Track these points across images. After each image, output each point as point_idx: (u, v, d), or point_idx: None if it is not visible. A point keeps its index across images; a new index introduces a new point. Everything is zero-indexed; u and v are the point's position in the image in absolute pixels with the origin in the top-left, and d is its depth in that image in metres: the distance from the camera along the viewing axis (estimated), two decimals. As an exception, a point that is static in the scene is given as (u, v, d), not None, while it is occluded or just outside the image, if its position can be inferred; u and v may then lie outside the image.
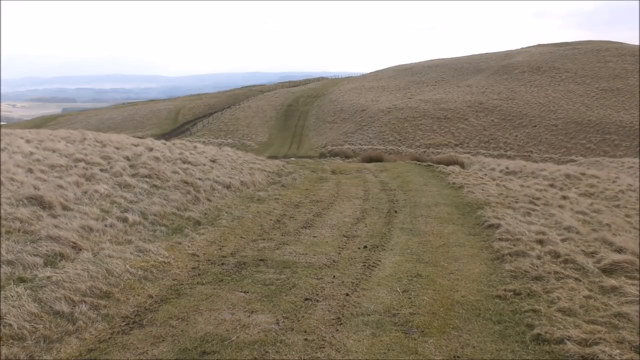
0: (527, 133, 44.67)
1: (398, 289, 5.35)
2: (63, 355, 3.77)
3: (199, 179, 10.64)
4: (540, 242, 6.98)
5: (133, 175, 10.02)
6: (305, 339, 4.14)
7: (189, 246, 6.65)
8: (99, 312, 4.47)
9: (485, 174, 17.29)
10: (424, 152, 39.60)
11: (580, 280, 5.51)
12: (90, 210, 7.24)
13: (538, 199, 11.43)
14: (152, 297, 4.95)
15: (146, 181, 9.73)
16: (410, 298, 5.10)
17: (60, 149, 11.63)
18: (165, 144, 16.35)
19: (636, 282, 5.38)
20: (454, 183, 13.33)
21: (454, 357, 3.93)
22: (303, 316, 4.61)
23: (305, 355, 3.90)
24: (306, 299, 5.01)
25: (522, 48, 77.95)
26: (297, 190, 12.17)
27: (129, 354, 3.86)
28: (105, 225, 6.76)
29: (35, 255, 5.35)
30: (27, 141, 12.33)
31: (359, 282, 5.56)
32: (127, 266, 5.46)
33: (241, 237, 7.41)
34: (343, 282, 5.56)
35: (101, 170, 10.08)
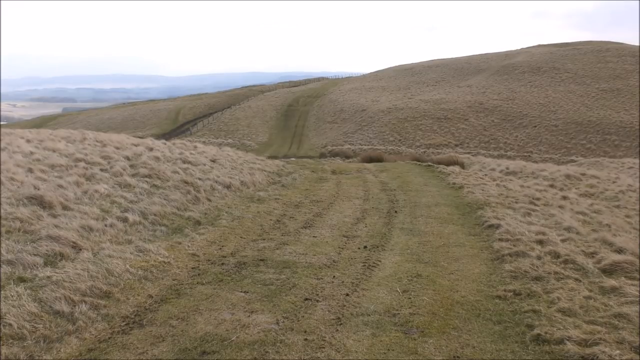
0: (528, 133, 44.67)
1: (398, 289, 5.35)
2: (63, 355, 3.77)
3: (199, 178, 10.64)
4: (540, 242, 6.98)
5: (133, 175, 10.02)
6: (305, 339, 4.14)
7: (189, 246, 6.65)
8: (99, 312, 4.47)
9: (486, 174, 17.29)
10: (424, 152, 39.61)
11: (580, 281, 5.51)
12: (90, 210, 7.24)
13: (538, 199, 11.43)
14: (152, 297, 4.95)
15: (146, 181, 9.73)
16: (410, 298, 5.10)
17: (60, 148, 11.64)
18: (165, 143, 16.36)
19: (636, 282, 5.38)
20: (454, 183, 13.33)
21: (454, 357, 3.93)
22: (303, 316, 4.61)
23: (305, 355, 3.90)
24: (306, 299, 5.01)
25: (522, 48, 77.95)
26: (297, 190, 12.17)
27: (128, 354, 3.86)
28: (106, 225, 6.76)
29: (35, 255, 5.35)
30: (27, 141, 12.33)
31: (359, 282, 5.56)
32: (127, 266, 5.46)
33: (241, 237, 7.41)
34: (343, 282, 5.56)
35: (101, 170, 10.09)
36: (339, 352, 3.97)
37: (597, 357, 3.81)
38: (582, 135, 43.20)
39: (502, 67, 63.57)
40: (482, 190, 11.94)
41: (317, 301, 4.98)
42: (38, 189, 7.52)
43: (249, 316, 4.57)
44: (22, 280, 4.82)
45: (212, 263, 6.13)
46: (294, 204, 10.20)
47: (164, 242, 6.66)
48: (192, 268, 5.89)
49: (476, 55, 78.26)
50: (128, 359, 3.80)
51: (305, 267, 6.05)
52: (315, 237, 7.58)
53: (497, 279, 5.69)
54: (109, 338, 4.10)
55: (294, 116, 59.51)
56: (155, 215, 7.70)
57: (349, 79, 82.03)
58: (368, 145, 43.92)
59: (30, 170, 8.93)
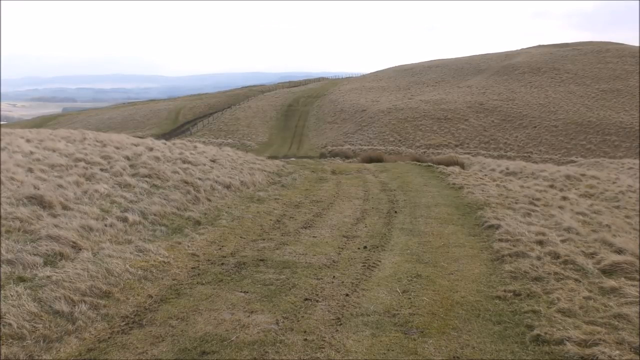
0: (528, 134, 44.68)
1: (398, 290, 5.35)
2: (63, 355, 3.77)
3: (199, 178, 10.64)
4: (540, 242, 6.98)
5: (133, 175, 10.02)
6: (305, 339, 4.14)
7: (188, 246, 6.65)
8: (98, 312, 4.47)
9: (485, 175, 17.29)
10: (424, 152, 39.61)
11: (580, 281, 5.51)
12: (90, 209, 7.24)
13: (538, 199, 11.43)
14: (152, 297, 4.95)
15: (146, 181, 9.73)
16: (410, 298, 5.10)
17: (60, 148, 11.64)
18: (165, 143, 16.36)
19: (636, 283, 5.38)
20: (454, 184, 13.34)
21: (454, 357, 3.93)
22: (303, 316, 4.61)
23: (305, 355, 3.90)
24: (306, 299, 5.01)
25: (522, 49, 77.98)
26: (297, 190, 12.17)
27: (128, 354, 3.86)
28: (105, 225, 6.76)
29: (35, 254, 5.35)
30: (27, 141, 12.34)
31: (359, 282, 5.56)
32: (127, 266, 5.46)
33: (241, 237, 7.41)
34: (343, 282, 5.56)
35: (101, 169, 10.09)
36: (338, 352, 3.97)
37: (597, 357, 3.81)
38: (582, 135, 43.21)
39: (502, 68, 63.58)
40: (482, 190, 11.94)
41: (317, 301, 4.98)
42: (38, 189, 7.52)
43: (249, 316, 4.57)
44: (21, 279, 4.82)
45: (212, 263, 6.13)
46: (294, 204, 10.20)
47: (164, 242, 6.66)
48: (192, 268, 5.89)
49: (476, 55, 78.28)
50: (128, 359, 3.80)
51: (305, 267, 6.05)
52: (315, 237, 7.58)
53: (497, 280, 5.69)
54: (109, 338, 4.10)
55: (294, 116, 59.51)
56: (155, 215, 7.70)
57: (349, 79, 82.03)
58: (368, 145, 43.92)
59: (30, 170, 8.93)
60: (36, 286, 4.67)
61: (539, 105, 49.80)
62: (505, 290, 5.28)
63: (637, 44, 68.20)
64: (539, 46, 77.38)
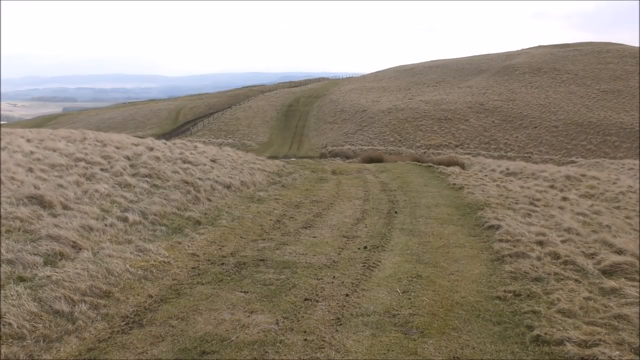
0: (528, 134, 44.67)
1: (398, 290, 5.35)
2: (63, 355, 3.77)
3: (199, 178, 10.64)
4: (540, 243, 6.98)
5: (133, 175, 10.02)
6: (305, 339, 4.14)
7: (189, 246, 6.65)
8: (98, 312, 4.47)
9: (486, 175, 17.29)
10: (425, 152, 39.62)
11: (580, 282, 5.51)
12: (90, 209, 7.24)
13: (538, 200, 11.43)
14: (152, 297, 4.95)
15: (146, 181, 9.74)
16: (410, 299, 5.10)
17: (60, 148, 11.64)
18: (165, 143, 16.36)
19: (636, 283, 5.38)
20: (454, 184, 13.33)
21: (454, 357, 3.93)
22: (303, 316, 4.61)
23: (305, 355, 3.90)
24: (306, 299, 5.01)
25: (522, 49, 77.96)
26: (298, 190, 12.17)
27: (128, 354, 3.86)
28: (106, 225, 6.76)
29: (35, 254, 5.35)
30: (28, 140, 12.34)
31: (359, 282, 5.56)
32: (127, 266, 5.46)
33: (241, 237, 7.41)
34: (343, 282, 5.56)
35: (101, 169, 10.09)
36: (338, 352, 3.97)
37: (597, 358, 3.81)
38: (582, 136, 43.19)
39: (503, 68, 63.56)
40: (482, 191, 11.94)
41: (317, 301, 4.98)
42: (38, 189, 7.52)
43: (249, 316, 4.57)
44: (22, 279, 4.82)
45: (212, 263, 6.13)
46: (294, 204, 10.20)
47: (164, 242, 6.66)
48: (192, 268, 5.89)
49: (477, 56, 78.24)
50: (128, 358, 3.80)
51: (305, 267, 6.05)
52: (315, 237, 7.58)
53: (497, 280, 5.69)
54: (109, 338, 4.10)
55: (294, 116, 59.50)
56: (155, 215, 7.70)
57: (350, 79, 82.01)
58: (368, 145, 43.92)
59: (31, 170, 8.93)
60: (36, 286, 4.67)
61: (540, 105, 49.79)
62: (505, 291, 5.28)
63: (638, 45, 68.09)
64: (540, 46, 77.36)
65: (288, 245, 7.05)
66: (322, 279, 5.65)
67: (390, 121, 49.37)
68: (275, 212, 9.30)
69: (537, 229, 7.81)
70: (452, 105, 51.20)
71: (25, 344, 3.78)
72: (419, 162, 21.61)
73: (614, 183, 18.57)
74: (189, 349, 3.94)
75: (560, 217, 9.12)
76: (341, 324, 4.46)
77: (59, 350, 3.81)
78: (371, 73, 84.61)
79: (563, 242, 7.21)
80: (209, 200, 9.48)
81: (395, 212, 9.64)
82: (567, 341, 4.05)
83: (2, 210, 6.40)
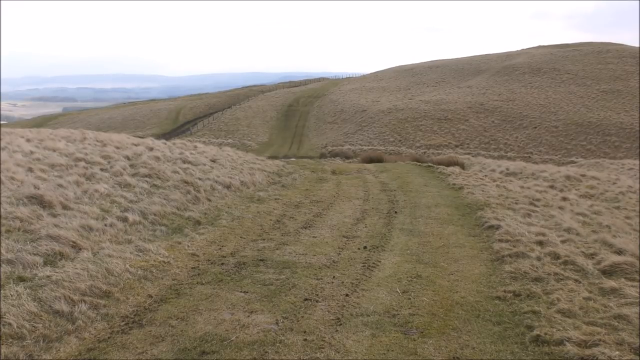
0: (528, 134, 44.67)
1: (398, 290, 5.35)
2: (62, 355, 3.77)
3: (199, 178, 10.64)
4: (540, 243, 6.98)
5: (133, 175, 10.02)
6: (305, 339, 4.14)
7: (188, 246, 6.65)
8: (98, 312, 4.47)
9: (486, 175, 17.29)
10: (424, 152, 39.62)
11: (580, 282, 5.51)
12: (90, 209, 7.24)
13: (538, 200, 11.44)
14: (152, 297, 4.95)
15: (146, 181, 9.74)
16: (409, 299, 5.10)
17: (60, 148, 11.64)
18: (165, 143, 16.36)
19: (636, 283, 5.38)
20: (454, 184, 13.33)
21: (454, 358, 3.93)
22: (302, 316, 4.61)
23: (305, 355, 3.90)
24: (306, 299, 5.01)
25: (522, 49, 77.95)
26: (297, 190, 12.17)
27: (128, 354, 3.86)
28: (105, 225, 6.76)
29: (35, 254, 5.35)
30: (28, 140, 12.34)
31: (359, 282, 5.56)
32: (127, 266, 5.46)
33: (241, 237, 7.41)
34: (343, 282, 5.56)
35: (101, 169, 10.09)
36: (338, 352, 3.96)
37: (597, 358, 3.81)
38: (582, 136, 43.20)
39: (503, 68, 63.56)
40: (482, 191, 11.94)
41: (317, 301, 4.98)
42: (38, 189, 7.52)
43: (249, 316, 4.57)
44: (21, 279, 4.82)
45: (211, 263, 6.13)
46: (294, 204, 10.20)
47: (164, 241, 6.66)
48: (192, 268, 5.89)
49: (476, 56, 78.24)
50: (127, 358, 3.80)
51: (305, 267, 6.05)
52: (315, 237, 7.58)
53: (497, 280, 5.69)
54: (109, 338, 4.09)
55: (294, 116, 59.50)
56: (155, 215, 7.70)
57: (349, 80, 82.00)
58: (368, 145, 43.92)
59: (30, 170, 8.93)
60: (36, 286, 4.67)
61: (539, 105, 49.79)
62: (505, 291, 5.28)
63: (638, 45, 68.00)
64: (540, 47, 77.35)
65: (288, 245, 7.05)
66: (322, 279, 5.65)
67: (390, 121, 49.37)
68: (275, 212, 9.30)
69: (537, 229, 7.81)
70: (452, 106, 51.20)
71: (25, 343, 3.78)
72: (418, 162, 21.61)
73: (614, 183, 18.57)
74: (188, 349, 3.94)
75: (560, 217, 9.12)
76: (341, 324, 4.46)
77: (59, 350, 3.81)
78: (371, 73, 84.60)
79: (563, 242, 7.21)
80: (209, 200, 9.48)
81: (395, 212, 9.64)
82: (567, 341, 4.05)
83: (2, 210, 6.40)
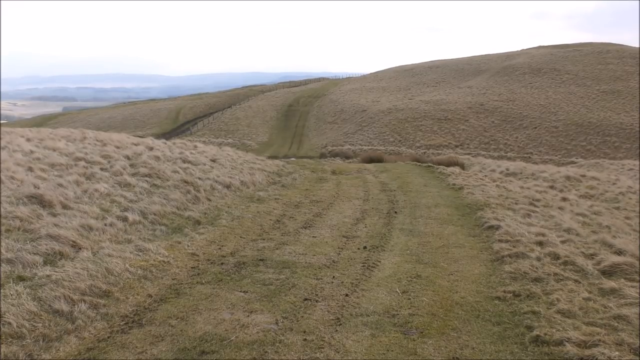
0: (528, 134, 44.67)
1: (397, 290, 5.35)
2: (62, 354, 3.77)
3: (199, 178, 10.64)
4: (540, 243, 6.98)
5: (133, 175, 10.02)
6: (305, 339, 4.14)
7: (188, 246, 6.65)
8: (98, 311, 4.47)
9: (486, 175, 17.29)
10: (424, 153, 39.62)
11: (579, 282, 5.51)
12: (90, 209, 7.24)
13: (538, 200, 11.44)
14: (152, 297, 4.95)
15: (146, 180, 9.73)
16: (409, 299, 5.10)
17: (60, 147, 11.63)
18: (165, 143, 16.36)
19: (636, 284, 5.38)
20: (454, 184, 13.33)
21: (453, 358, 3.93)
22: (302, 316, 4.61)
23: (304, 355, 3.90)
24: (305, 299, 5.01)
25: (522, 49, 77.94)
26: (297, 190, 12.17)
27: (128, 353, 3.86)
28: (105, 224, 6.76)
29: (34, 253, 5.35)
30: (28, 140, 12.33)
31: (359, 282, 5.56)
32: (127, 265, 5.46)
33: (241, 237, 7.41)
34: (342, 282, 5.56)
35: (101, 169, 10.09)
36: (338, 352, 3.96)
37: (596, 358, 3.81)
38: (582, 136, 43.20)
39: (503, 68, 63.57)
40: (482, 191, 11.94)
41: (317, 301, 4.98)
42: (38, 188, 7.52)
43: (248, 316, 4.57)
44: (21, 279, 4.82)
45: (211, 263, 6.13)
46: (293, 204, 10.20)
47: (164, 241, 6.66)
48: (192, 268, 5.89)
49: (477, 56, 78.24)
50: (127, 358, 3.80)
51: (304, 267, 6.05)
52: (315, 237, 7.58)
53: (497, 280, 5.69)
54: (108, 337, 4.09)
55: (294, 116, 59.50)
56: (155, 214, 7.70)
57: (350, 80, 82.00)
58: (368, 145, 43.92)
59: (30, 169, 8.93)
60: (36, 285, 4.67)
61: (539, 106, 49.80)
62: (505, 291, 5.28)
63: (638, 45, 68.03)
64: (540, 47, 77.36)
65: (288, 245, 7.05)
66: (321, 279, 5.65)
67: (390, 121, 49.37)
68: (275, 212, 9.30)
69: (536, 229, 7.81)
70: (452, 106, 51.20)
71: (24, 343, 3.78)
72: (418, 162, 21.61)
73: (614, 184, 18.58)
74: (188, 349, 3.94)
75: (560, 217, 9.12)
76: (341, 324, 4.46)
77: (59, 349, 3.81)
78: (371, 73, 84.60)
79: (563, 242, 7.21)
80: (209, 200, 9.48)
81: (395, 212, 9.64)
82: (567, 341, 4.05)
83: (2, 209, 6.40)
